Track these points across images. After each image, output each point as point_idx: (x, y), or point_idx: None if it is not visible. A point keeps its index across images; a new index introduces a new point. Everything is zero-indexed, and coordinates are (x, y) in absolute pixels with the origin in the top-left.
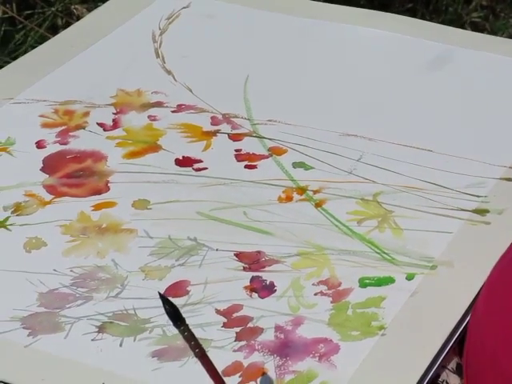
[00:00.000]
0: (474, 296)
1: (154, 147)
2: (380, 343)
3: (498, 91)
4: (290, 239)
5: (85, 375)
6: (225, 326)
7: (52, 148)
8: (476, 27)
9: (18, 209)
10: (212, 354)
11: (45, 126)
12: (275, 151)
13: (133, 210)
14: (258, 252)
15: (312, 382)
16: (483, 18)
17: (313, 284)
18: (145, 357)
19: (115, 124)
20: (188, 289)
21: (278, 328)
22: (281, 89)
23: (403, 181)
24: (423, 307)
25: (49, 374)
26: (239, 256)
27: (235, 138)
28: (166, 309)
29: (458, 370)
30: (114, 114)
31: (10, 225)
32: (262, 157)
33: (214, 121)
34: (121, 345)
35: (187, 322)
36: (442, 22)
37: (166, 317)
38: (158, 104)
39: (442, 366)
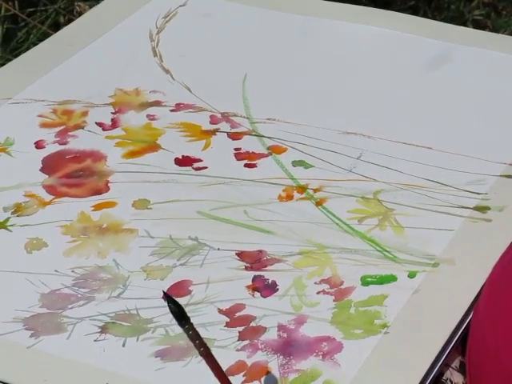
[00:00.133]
0: (476, 293)
1: (154, 147)
2: (383, 341)
3: (498, 89)
4: (292, 238)
5: (88, 376)
6: (227, 325)
7: (51, 148)
8: (478, 25)
9: (18, 209)
10: (215, 354)
11: (43, 126)
12: (275, 150)
13: (133, 210)
14: (260, 251)
15: (316, 380)
16: (485, 16)
17: (315, 283)
18: (148, 357)
19: (114, 123)
20: (190, 288)
21: (280, 327)
22: (280, 87)
23: (403, 179)
24: (425, 305)
25: (51, 374)
26: (241, 255)
27: (234, 136)
28: (170, 308)
29: (462, 369)
30: (112, 113)
31: (11, 225)
32: (261, 155)
33: (213, 120)
34: (124, 345)
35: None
36: (444, 20)
37: (168, 316)
38: (157, 103)
39: (446, 365)
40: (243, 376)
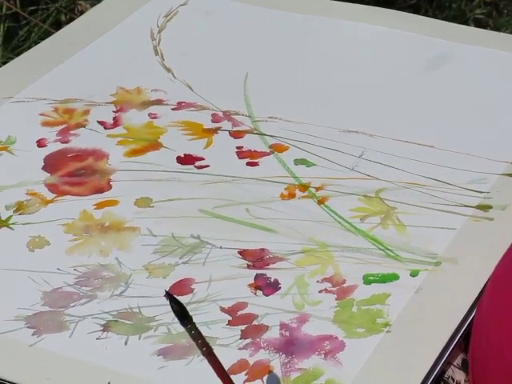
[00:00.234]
0: (478, 292)
1: (155, 145)
2: (385, 340)
3: (501, 87)
4: (294, 236)
5: (90, 374)
6: (230, 323)
7: (53, 146)
8: (479, 24)
9: (20, 208)
10: (217, 352)
11: (45, 124)
12: (277, 148)
13: (135, 208)
14: (262, 249)
15: (318, 379)
16: (486, 15)
17: (317, 281)
18: (150, 355)
19: (116, 122)
20: (192, 287)
21: (283, 326)
22: (281, 86)
23: (405, 177)
24: (428, 304)
25: (54, 373)
26: (243, 253)
27: (236, 135)
28: (172, 307)
29: (464, 366)
30: (114, 112)
31: (13, 224)
32: (263, 154)
33: (215, 118)
34: (126, 343)
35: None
36: (446, 19)
37: (170, 315)
38: (158, 102)
39: (448, 363)
40: (245, 375)
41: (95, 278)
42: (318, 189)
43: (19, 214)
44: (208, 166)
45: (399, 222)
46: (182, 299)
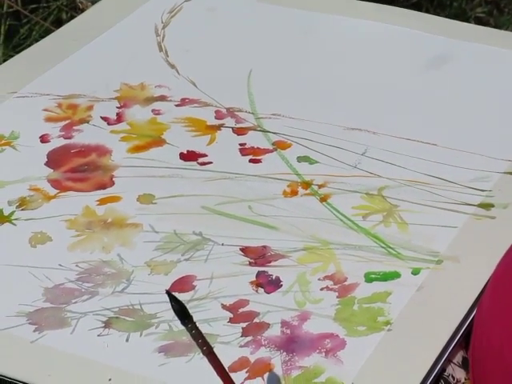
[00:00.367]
0: (479, 290)
1: (159, 141)
2: (386, 338)
3: (502, 85)
4: (296, 234)
5: (91, 371)
6: (231, 321)
7: (56, 142)
8: (480, 22)
9: (22, 203)
10: (218, 350)
11: (49, 120)
12: (280, 145)
13: (138, 205)
14: (264, 247)
15: (318, 377)
16: (487, 14)
17: (319, 279)
18: (151, 352)
19: (119, 118)
20: (194, 284)
21: (284, 323)
22: (284, 83)
23: (408, 175)
24: (429, 302)
25: (55, 369)
26: (245, 251)
27: (239, 132)
28: (173, 306)
29: (464, 364)
30: (117, 107)
31: (15, 219)
32: (266, 151)
33: (218, 115)
34: (127, 340)
35: (193, 317)
36: (447, 17)
37: (172, 312)
38: (162, 98)
39: (448, 360)
40: (246, 373)
41: (97, 274)
42: (320, 186)
43: (22, 210)
44: (211, 162)
45: (401, 220)
46: (184, 296)
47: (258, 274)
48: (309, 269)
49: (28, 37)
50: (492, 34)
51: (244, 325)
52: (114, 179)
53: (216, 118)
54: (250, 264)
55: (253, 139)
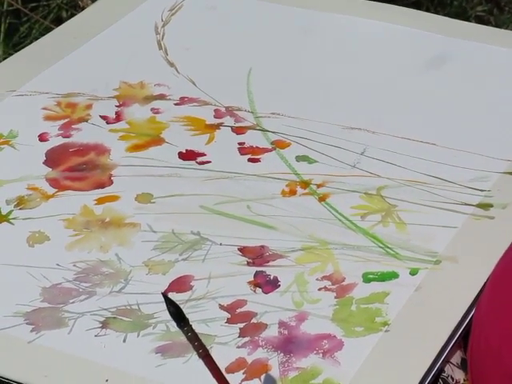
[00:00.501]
0: (478, 291)
1: (157, 140)
2: (384, 339)
3: (501, 84)
4: (294, 233)
5: (88, 371)
6: (228, 321)
7: (55, 141)
8: (480, 21)
9: (20, 202)
10: (216, 350)
11: (47, 118)
12: (278, 144)
13: (136, 204)
14: (262, 246)
15: (316, 378)
16: (488, 12)
17: (317, 279)
18: (148, 353)
19: (118, 117)
20: (191, 284)
21: (281, 324)
22: (284, 82)
23: (407, 175)
24: (427, 302)
25: (52, 370)
26: (243, 250)
27: (238, 131)
28: (169, 309)
29: (463, 365)
30: (116, 106)
31: (13, 219)
32: (265, 150)
33: (218, 114)
34: (124, 340)
35: (191, 317)
36: (447, 16)
37: None
38: (161, 97)
39: (446, 361)
40: (243, 373)
41: (95, 274)
42: (319, 186)
43: (20, 209)
44: (210, 161)
45: (400, 220)
46: (181, 296)
47: (256, 274)
48: (307, 269)
49: (28, 35)
50: (492, 33)
51: (241, 325)
52: (112, 178)
53: (215, 116)
54: (248, 264)
55: (252, 138)
